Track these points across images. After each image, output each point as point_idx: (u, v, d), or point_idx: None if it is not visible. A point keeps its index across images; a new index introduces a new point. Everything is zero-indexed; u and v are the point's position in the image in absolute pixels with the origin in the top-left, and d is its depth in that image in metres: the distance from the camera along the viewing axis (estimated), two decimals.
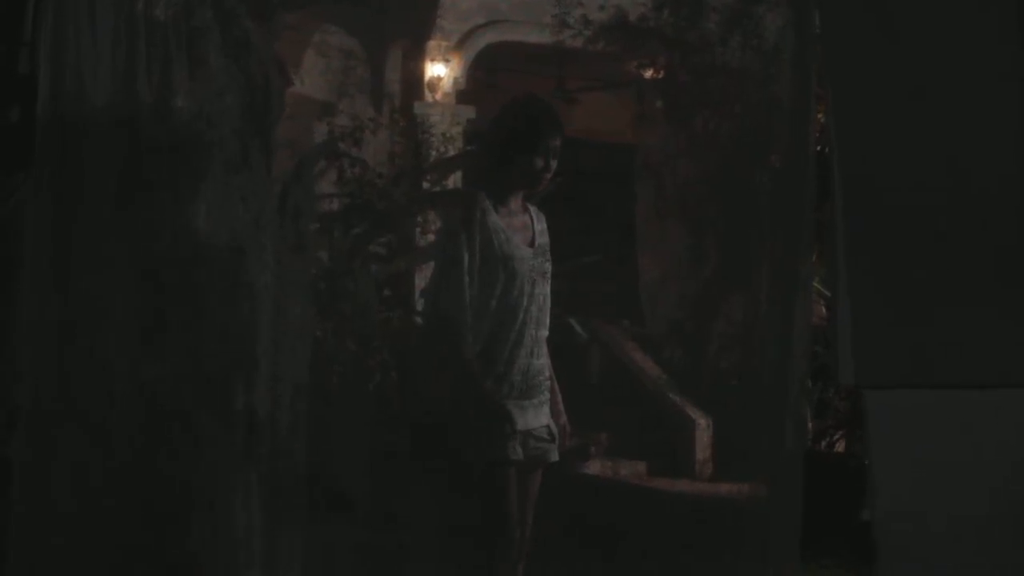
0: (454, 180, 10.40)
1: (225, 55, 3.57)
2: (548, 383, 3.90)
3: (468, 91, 11.79)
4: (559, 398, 4.05)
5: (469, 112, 11.58)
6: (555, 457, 3.92)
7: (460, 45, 11.87)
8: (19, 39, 3.98)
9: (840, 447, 9.73)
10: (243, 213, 3.44)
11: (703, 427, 10.97)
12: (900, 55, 1.64)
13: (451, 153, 11.26)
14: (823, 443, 9.91)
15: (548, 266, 3.91)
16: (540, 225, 3.95)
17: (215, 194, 3.51)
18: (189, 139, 3.55)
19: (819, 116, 12.41)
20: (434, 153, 11.38)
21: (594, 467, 10.09)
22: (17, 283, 3.42)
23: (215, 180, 3.50)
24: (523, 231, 3.87)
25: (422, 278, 9.69)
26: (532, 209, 3.99)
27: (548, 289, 3.91)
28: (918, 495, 1.68)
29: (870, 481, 1.72)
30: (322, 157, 9.30)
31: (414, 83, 11.90)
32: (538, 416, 3.85)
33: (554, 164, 3.82)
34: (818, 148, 12.35)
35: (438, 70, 11.69)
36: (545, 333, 3.91)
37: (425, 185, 10.37)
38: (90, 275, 3.41)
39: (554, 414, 4.00)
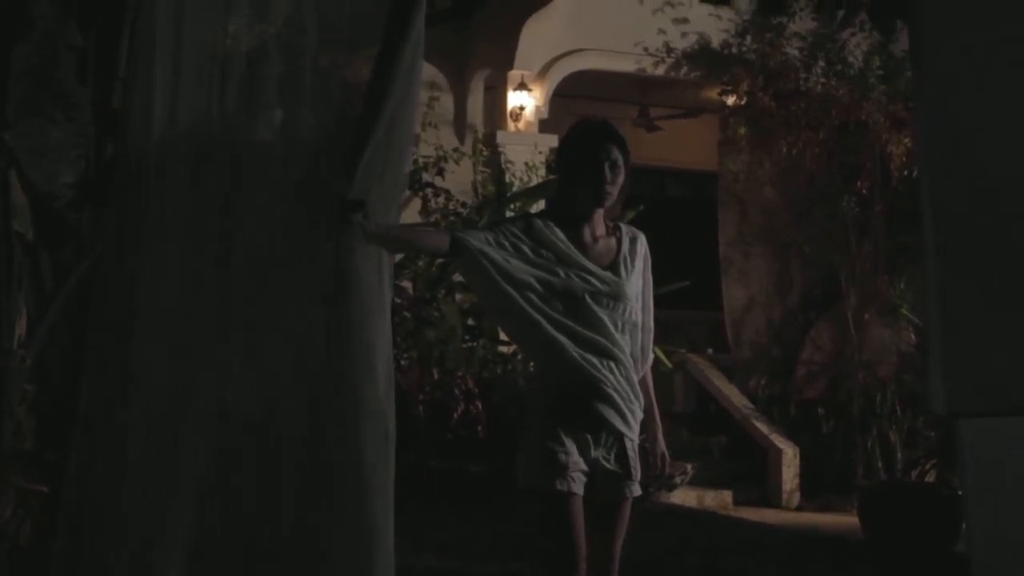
0: (537, 209, 10.44)
1: (308, 85, 3.62)
2: (627, 416, 3.77)
3: (550, 120, 11.84)
4: (657, 428, 3.96)
5: (551, 141, 11.61)
6: (630, 493, 3.80)
7: (542, 74, 11.93)
8: (114, 75, 4.06)
9: (931, 477, 9.56)
10: (327, 243, 3.47)
11: (790, 456, 10.85)
12: (997, 69, 1.60)
13: (534, 182, 11.30)
14: (914, 473, 9.75)
15: (625, 289, 3.79)
16: (629, 247, 3.86)
17: (297, 222, 3.55)
18: (273, 168, 3.60)
19: (905, 140, 12.23)
20: (517, 182, 11.43)
21: (679, 496, 10.01)
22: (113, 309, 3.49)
23: (298, 211, 3.54)
24: (603, 252, 3.82)
25: None
26: (626, 231, 3.91)
27: (629, 317, 3.81)
28: (1016, 527, 1.63)
29: (965, 512, 1.67)
30: (406, 187, 9.37)
31: (496, 113, 11.97)
32: (606, 449, 3.75)
33: (617, 177, 3.77)
34: (905, 172, 12.17)
35: (520, 99, 11.75)
36: (619, 363, 3.77)
37: (508, 214, 10.42)
38: (172, 308, 3.47)
39: (651, 444, 3.92)
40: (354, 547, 3.34)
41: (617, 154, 3.76)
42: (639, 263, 3.86)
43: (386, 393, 3.42)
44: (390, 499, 3.39)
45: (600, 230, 3.84)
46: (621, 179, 3.78)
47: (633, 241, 3.88)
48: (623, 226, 3.95)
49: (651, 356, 3.96)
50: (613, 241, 3.85)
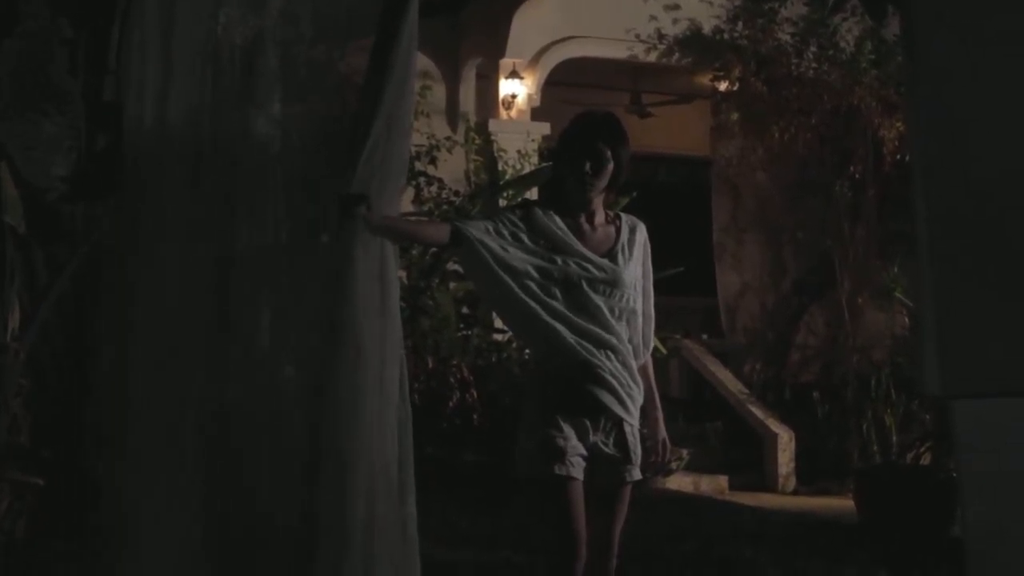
0: (530, 196, 10.43)
1: (303, 77, 3.62)
2: (626, 401, 3.79)
3: (542, 108, 11.82)
4: (658, 415, 3.98)
5: (544, 129, 11.61)
6: (630, 477, 3.82)
7: (534, 62, 11.92)
8: (105, 68, 4.07)
9: (926, 460, 9.58)
10: (328, 235, 3.48)
11: (785, 441, 10.87)
12: (991, 61, 1.60)
13: (526, 170, 11.29)
14: (909, 456, 9.77)
15: (622, 276, 3.82)
16: (628, 236, 3.88)
17: (294, 215, 3.56)
18: (269, 162, 3.60)
19: (898, 124, 12.22)
20: (510, 170, 11.42)
21: (675, 482, 10.03)
22: (109, 309, 3.49)
23: (297, 205, 3.55)
24: (602, 240, 3.84)
25: None
26: (626, 220, 3.94)
27: (627, 304, 3.83)
28: (1011, 510, 1.64)
29: (960, 496, 1.68)
30: (405, 178, 9.35)
31: (489, 101, 11.96)
32: (605, 434, 3.77)
33: (601, 170, 3.79)
34: (898, 156, 12.18)
35: (512, 88, 11.74)
36: (615, 350, 3.78)
37: (501, 202, 10.41)
38: (171, 297, 3.47)
39: (652, 431, 3.94)
40: (374, 537, 3.34)
41: (603, 147, 3.79)
42: (638, 251, 3.90)
43: (398, 382, 3.45)
44: (410, 485, 3.40)
45: (599, 218, 3.88)
46: (606, 172, 3.82)
47: (632, 230, 3.92)
48: (623, 215, 3.99)
49: (652, 344, 3.98)
50: (612, 229, 3.88)
